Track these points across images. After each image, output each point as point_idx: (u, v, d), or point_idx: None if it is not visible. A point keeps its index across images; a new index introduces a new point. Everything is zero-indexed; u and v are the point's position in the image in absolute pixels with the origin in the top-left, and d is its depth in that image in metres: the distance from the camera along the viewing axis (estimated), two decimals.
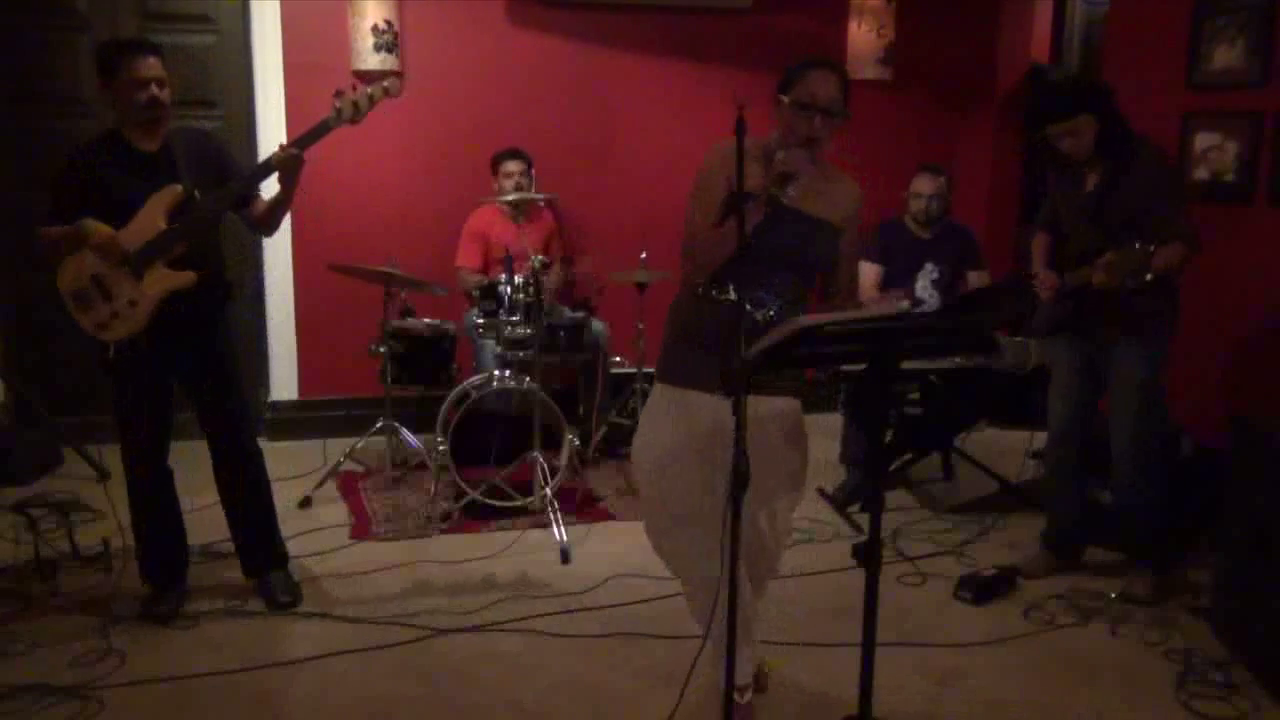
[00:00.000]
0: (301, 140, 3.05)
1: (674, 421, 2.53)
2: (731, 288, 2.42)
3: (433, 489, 4.13)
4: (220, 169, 3.14)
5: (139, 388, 3.14)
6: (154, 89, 2.98)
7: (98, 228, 2.97)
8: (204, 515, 3.53)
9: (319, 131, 3.06)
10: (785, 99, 2.44)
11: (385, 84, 3.12)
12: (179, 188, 3.00)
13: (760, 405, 2.45)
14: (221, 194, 3.07)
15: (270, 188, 3.16)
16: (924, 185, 4.40)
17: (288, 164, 3.03)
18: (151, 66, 2.98)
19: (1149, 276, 2.99)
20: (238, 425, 3.28)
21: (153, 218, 2.99)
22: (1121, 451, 3.34)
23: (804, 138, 2.41)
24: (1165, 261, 3.09)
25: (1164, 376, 3.31)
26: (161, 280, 3.01)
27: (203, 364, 3.20)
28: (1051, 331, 3.48)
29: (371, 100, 3.08)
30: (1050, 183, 3.55)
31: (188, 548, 3.39)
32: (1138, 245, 2.97)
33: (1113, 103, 3.23)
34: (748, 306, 2.41)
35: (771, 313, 2.45)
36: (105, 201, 2.99)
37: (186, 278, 3.02)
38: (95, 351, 3.09)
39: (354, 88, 3.08)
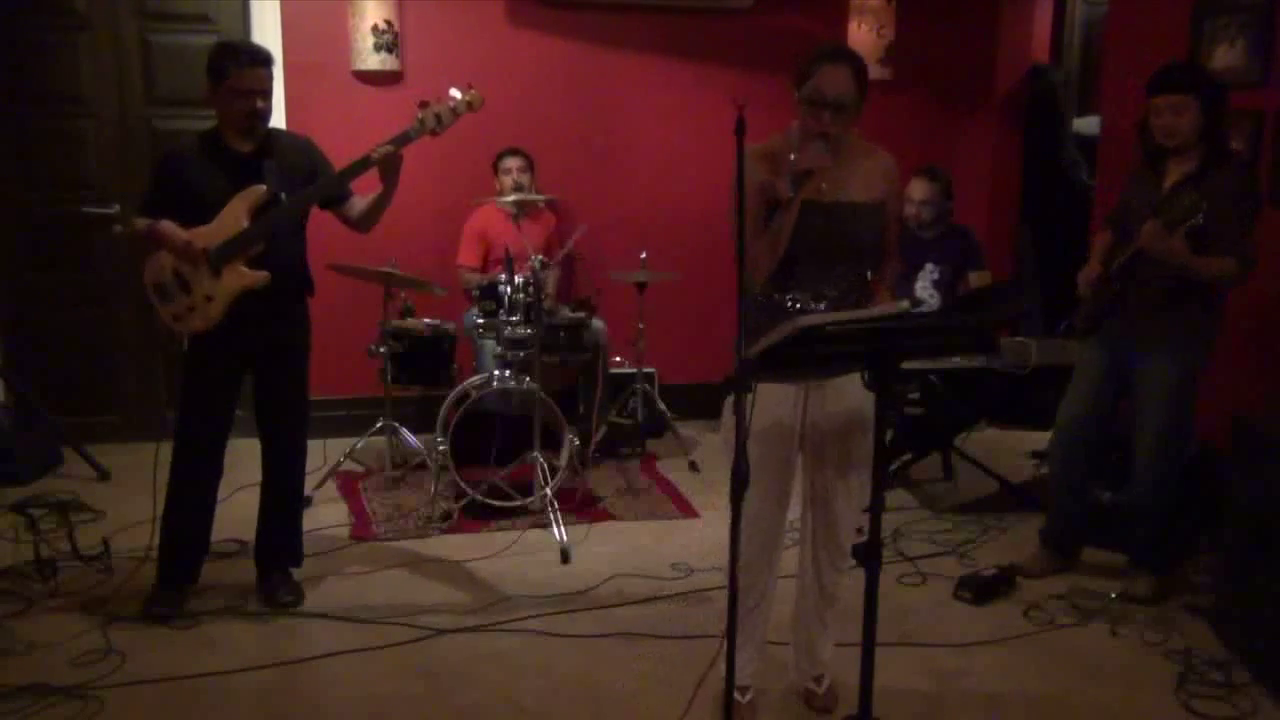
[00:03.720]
0: (391, 144, 3.11)
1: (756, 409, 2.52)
2: (790, 291, 2.47)
3: (433, 489, 4.12)
4: (311, 174, 3.19)
5: (209, 380, 3.20)
6: (256, 101, 3.06)
7: (174, 234, 3.05)
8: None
9: (399, 141, 3.12)
10: (798, 94, 2.45)
11: (468, 98, 3.18)
12: (262, 188, 3.07)
13: (840, 380, 2.51)
14: (303, 195, 3.14)
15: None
16: (915, 191, 4.36)
17: (387, 162, 3.10)
18: (258, 79, 3.06)
19: (1199, 219, 2.94)
20: (295, 421, 3.35)
21: (235, 216, 3.06)
22: (1146, 456, 3.32)
23: (818, 133, 2.41)
24: (1214, 270, 3.09)
25: (1194, 389, 3.28)
26: (237, 279, 3.07)
27: (274, 356, 3.26)
28: (1091, 329, 3.41)
29: (455, 114, 3.16)
30: (1129, 180, 3.45)
31: (207, 552, 3.39)
32: (1188, 193, 2.95)
33: (1222, 102, 3.17)
34: (810, 305, 2.47)
35: (828, 305, 2.48)
36: (195, 197, 3.08)
37: (261, 277, 3.08)
38: (169, 343, 3.24)
39: (439, 99, 3.15)
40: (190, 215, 3.08)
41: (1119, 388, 3.41)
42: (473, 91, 3.18)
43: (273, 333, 3.22)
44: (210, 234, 3.06)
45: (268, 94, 3.10)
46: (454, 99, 3.17)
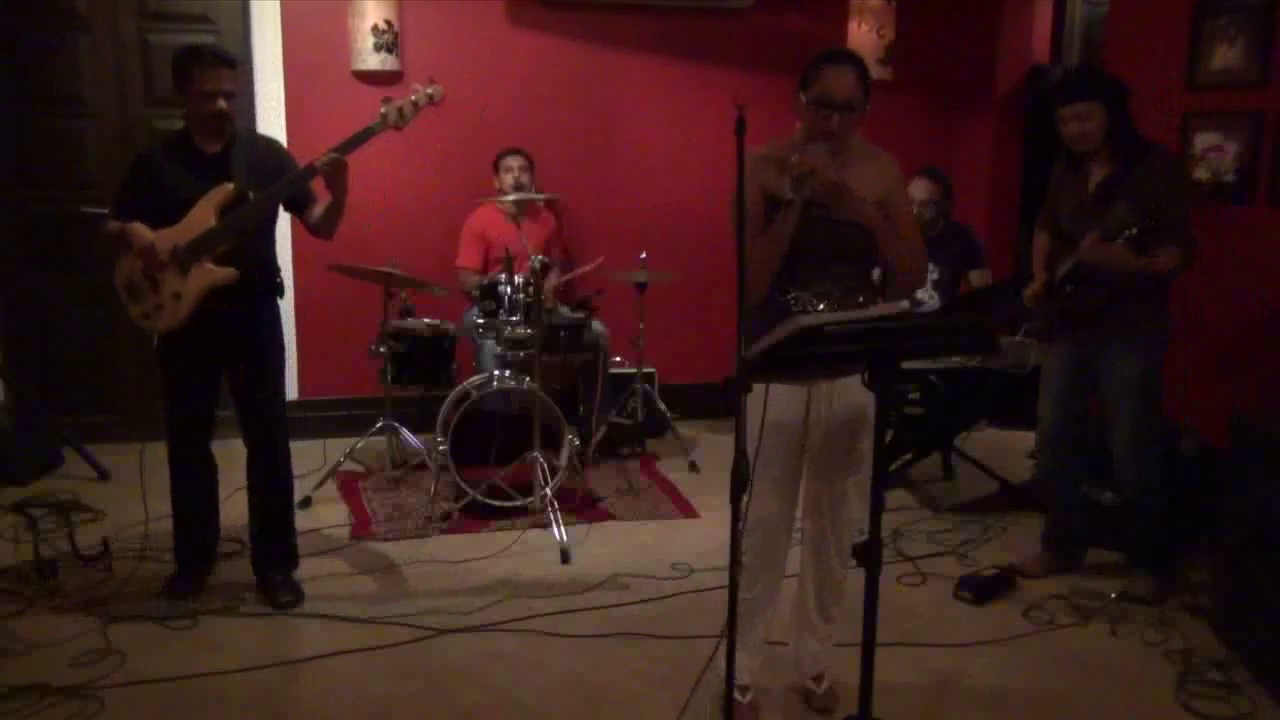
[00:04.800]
0: (344, 145, 3.15)
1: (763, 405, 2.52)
2: (792, 291, 2.48)
3: (433, 489, 4.12)
4: (278, 172, 3.22)
5: (182, 376, 3.25)
6: (220, 102, 3.10)
7: (141, 235, 3.10)
8: None
9: (363, 136, 3.18)
10: (804, 97, 2.46)
11: (429, 91, 3.26)
12: (230, 186, 3.11)
13: (844, 379, 2.49)
14: (268, 194, 3.17)
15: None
16: (916, 190, 4.38)
17: (330, 169, 3.13)
18: (221, 79, 3.09)
19: (1134, 230, 3.03)
20: (271, 419, 3.36)
21: (204, 215, 3.10)
22: (1122, 454, 3.35)
23: (824, 135, 2.42)
24: (1159, 266, 3.13)
25: (1159, 379, 3.31)
26: (205, 276, 3.11)
27: (244, 355, 3.28)
28: (1046, 335, 3.49)
29: (416, 107, 3.24)
30: (1052, 181, 3.54)
31: (218, 538, 3.48)
32: (1121, 205, 3.05)
33: (1124, 99, 3.23)
34: (812, 304, 2.47)
35: (830, 304, 2.48)
36: (166, 198, 3.12)
37: (228, 274, 3.12)
38: (142, 341, 3.28)
39: (401, 94, 3.23)
40: (162, 216, 3.11)
41: (1086, 387, 3.44)
42: (435, 85, 3.27)
43: (242, 332, 3.26)
44: (178, 233, 3.09)
45: (231, 94, 3.13)
46: (415, 90, 3.25)
